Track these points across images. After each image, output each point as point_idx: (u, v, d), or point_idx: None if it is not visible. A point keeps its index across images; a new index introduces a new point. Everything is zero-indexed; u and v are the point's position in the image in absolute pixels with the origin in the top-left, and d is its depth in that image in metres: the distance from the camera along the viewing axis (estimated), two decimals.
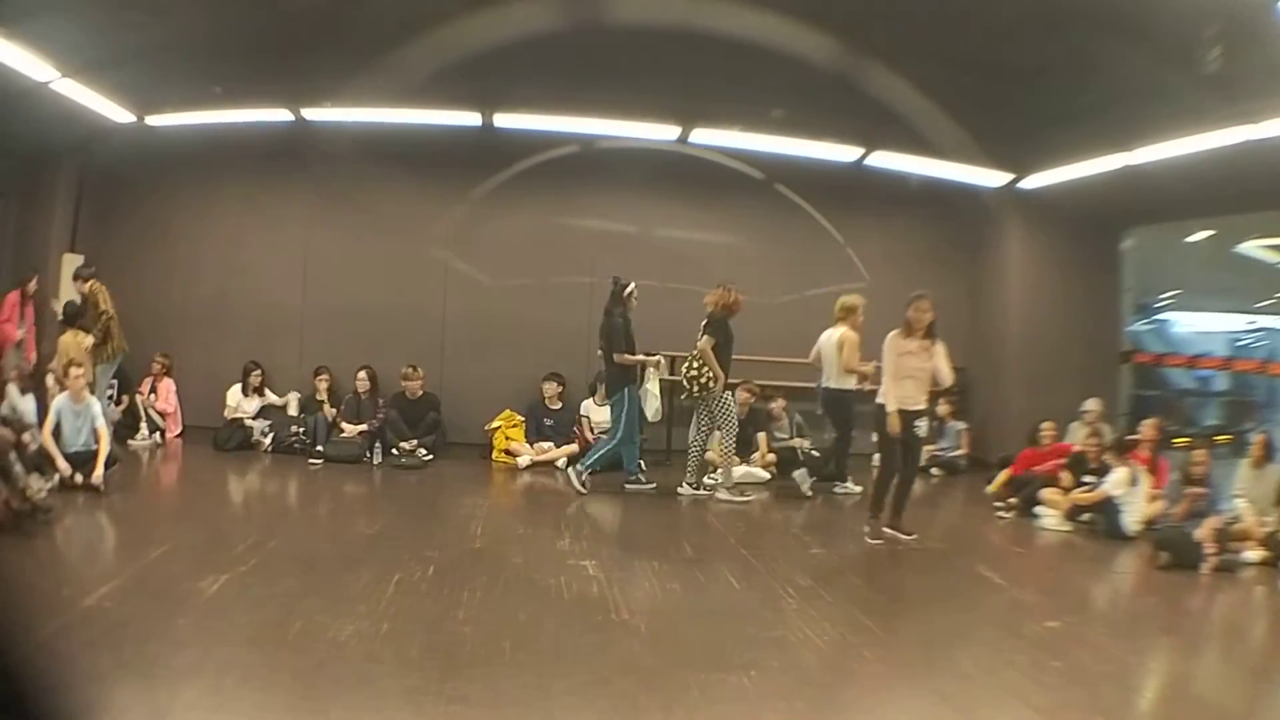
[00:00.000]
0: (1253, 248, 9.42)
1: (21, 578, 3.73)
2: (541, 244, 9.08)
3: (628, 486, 6.95)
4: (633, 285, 6.93)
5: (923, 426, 5.67)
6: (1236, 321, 10.06)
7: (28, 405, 6.38)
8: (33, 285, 8.06)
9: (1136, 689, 3.67)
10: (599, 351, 7.14)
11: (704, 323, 6.83)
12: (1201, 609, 4.95)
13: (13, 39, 6.05)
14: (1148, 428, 6.53)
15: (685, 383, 6.82)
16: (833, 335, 6.76)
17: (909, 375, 5.53)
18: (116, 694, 2.88)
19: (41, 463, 5.67)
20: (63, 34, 6.11)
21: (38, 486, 5.23)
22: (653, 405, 6.98)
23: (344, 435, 7.94)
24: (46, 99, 6.92)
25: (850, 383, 6.68)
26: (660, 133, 8.28)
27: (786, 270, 9.09)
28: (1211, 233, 9.28)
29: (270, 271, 8.87)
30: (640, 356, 6.96)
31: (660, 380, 7.11)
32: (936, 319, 5.63)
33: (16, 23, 5.80)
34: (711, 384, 6.68)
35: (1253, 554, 5.42)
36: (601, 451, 6.99)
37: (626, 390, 6.83)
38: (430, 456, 7.92)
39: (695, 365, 6.75)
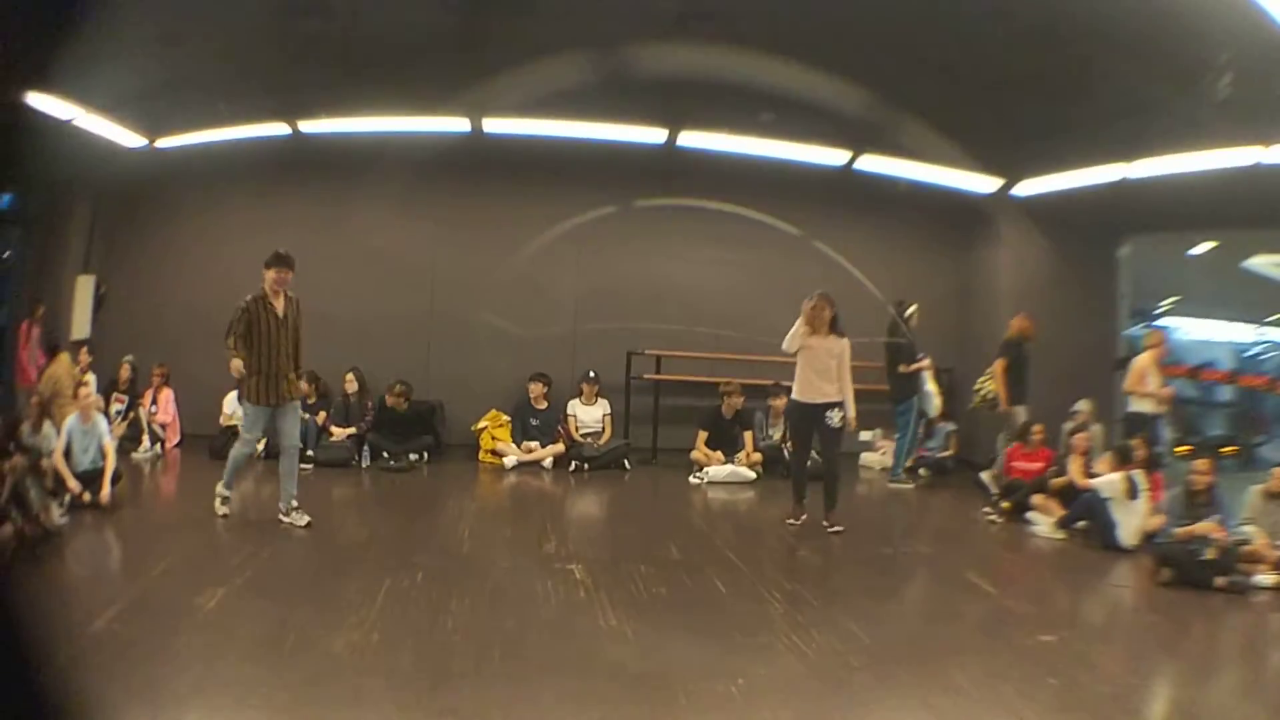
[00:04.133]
0: (1261, 264, 9.38)
1: (37, 607, 3.81)
2: (526, 250, 9.12)
3: (891, 485, 7.92)
4: (913, 308, 8.01)
5: (835, 417, 5.89)
6: (1243, 332, 10.02)
7: (48, 430, 6.46)
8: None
9: (1141, 715, 3.51)
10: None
11: (1001, 345, 7.77)
12: (1208, 631, 4.72)
13: (40, 88, 6.21)
14: (1138, 444, 6.50)
15: (974, 397, 7.92)
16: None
17: (813, 369, 5.89)
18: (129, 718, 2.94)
19: (57, 486, 5.76)
20: (87, 75, 6.25)
21: (57, 514, 5.31)
22: (932, 403, 8.11)
23: (333, 439, 8.00)
24: (68, 134, 7.12)
25: (1145, 405, 7.33)
26: (646, 135, 8.34)
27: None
28: (1214, 245, 9.26)
29: (261, 276, 8.95)
30: (919, 364, 7.92)
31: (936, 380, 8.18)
32: (838, 315, 5.96)
33: (46, 73, 5.95)
34: (992, 398, 7.65)
35: (1265, 578, 5.19)
36: (904, 451, 8.00)
37: (913, 398, 7.90)
38: (416, 457, 8.00)
39: (986, 382, 7.82)
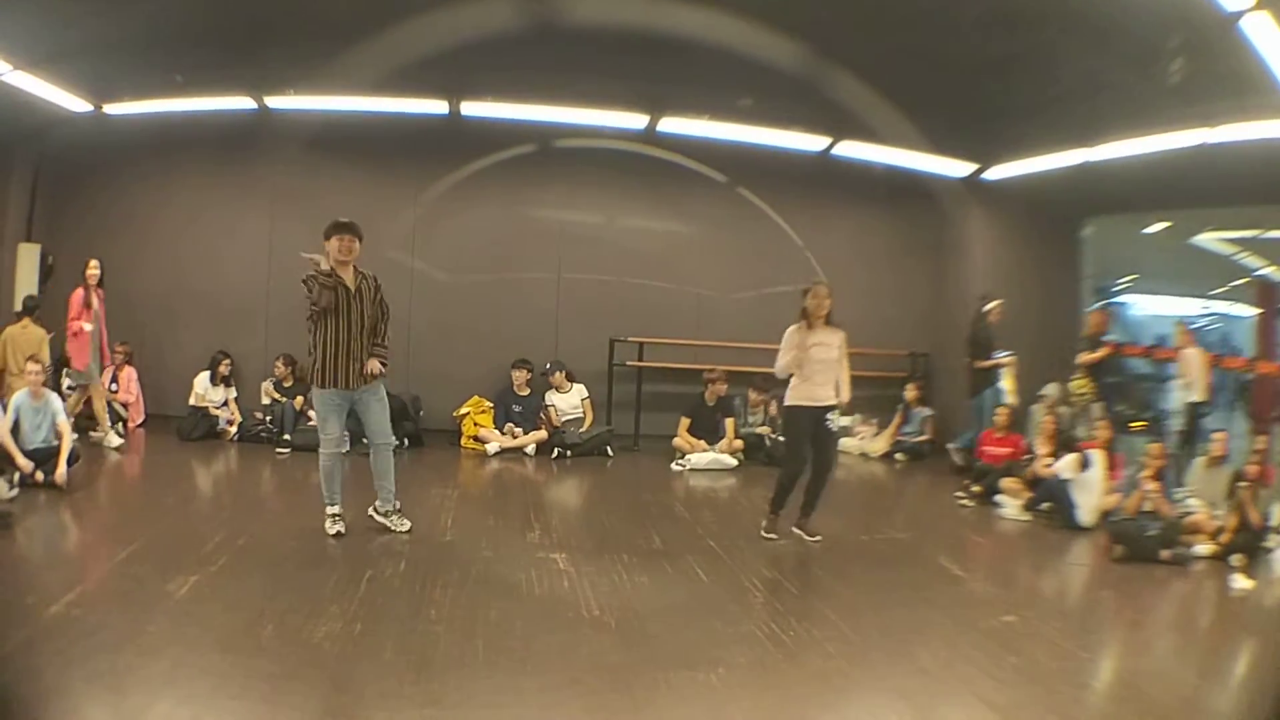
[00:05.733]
0: (1207, 240, 9.72)
1: None
2: (506, 232, 9.08)
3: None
4: (994, 304, 8.05)
5: (835, 420, 5.39)
6: (1191, 306, 10.38)
7: None
8: (92, 271, 7.44)
9: (1089, 687, 3.69)
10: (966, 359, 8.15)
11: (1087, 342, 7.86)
12: (1154, 603, 4.99)
13: None
14: (1101, 427, 6.72)
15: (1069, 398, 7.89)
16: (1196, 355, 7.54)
17: (817, 369, 5.28)
18: (89, 708, 2.86)
19: (2, 463, 5.57)
20: (16, 27, 5.90)
21: (4, 489, 5.14)
22: (1004, 398, 7.97)
23: (311, 423, 7.84)
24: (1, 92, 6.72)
25: (1199, 394, 7.43)
26: (626, 121, 8.27)
27: (746, 265, 9.20)
28: (1168, 224, 9.56)
29: (233, 259, 8.73)
30: (995, 360, 8.00)
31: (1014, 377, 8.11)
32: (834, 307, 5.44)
33: None
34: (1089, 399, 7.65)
35: (1203, 548, 5.52)
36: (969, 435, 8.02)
37: (986, 392, 7.96)
38: (396, 443, 7.84)
39: (1078, 384, 7.80)
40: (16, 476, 5.60)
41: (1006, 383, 8.02)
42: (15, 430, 5.84)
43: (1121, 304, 10.47)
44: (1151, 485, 5.85)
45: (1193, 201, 8.16)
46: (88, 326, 7.34)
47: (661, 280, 9.20)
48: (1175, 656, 4.22)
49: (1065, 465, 6.27)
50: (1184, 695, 3.64)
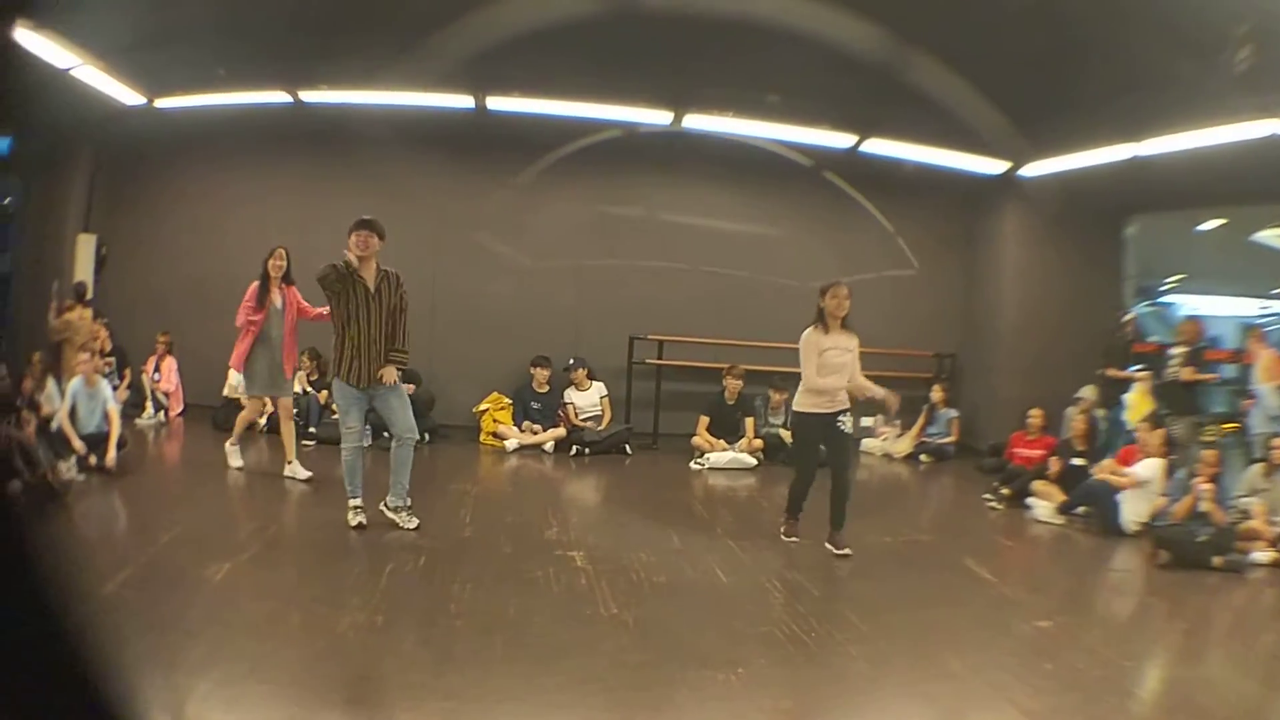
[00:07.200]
0: (1269, 236, 9.32)
1: (51, 563, 3.82)
2: (536, 228, 9.10)
3: None
4: (1132, 315, 8.00)
5: (847, 423, 5.17)
6: (1248, 306, 9.98)
7: (51, 390, 6.50)
8: (277, 262, 6.13)
9: (1134, 695, 3.54)
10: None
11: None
12: (1207, 611, 4.77)
13: (39, 29, 6.09)
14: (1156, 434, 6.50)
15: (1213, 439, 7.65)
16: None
17: (833, 373, 5.08)
18: (143, 686, 2.96)
19: (61, 447, 5.83)
20: (84, 22, 6.12)
21: (64, 469, 5.40)
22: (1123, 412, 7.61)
23: (334, 416, 7.96)
24: (66, 85, 6.96)
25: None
26: (652, 118, 8.25)
27: (823, 255, 9.03)
28: (1223, 221, 9.18)
29: (264, 252, 8.91)
30: (1126, 372, 7.73)
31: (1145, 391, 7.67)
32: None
33: (44, 13, 5.83)
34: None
35: (1262, 555, 5.30)
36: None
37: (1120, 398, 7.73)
38: (418, 438, 7.95)
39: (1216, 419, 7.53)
40: (74, 460, 5.86)
41: (1133, 396, 7.51)
42: (72, 415, 6.12)
43: (1168, 304, 10.12)
44: (1206, 487, 5.64)
45: (1256, 197, 7.80)
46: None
47: (691, 273, 9.16)
48: (1233, 665, 4.00)
49: (1146, 468, 5.99)
50: (1244, 707, 3.47)
